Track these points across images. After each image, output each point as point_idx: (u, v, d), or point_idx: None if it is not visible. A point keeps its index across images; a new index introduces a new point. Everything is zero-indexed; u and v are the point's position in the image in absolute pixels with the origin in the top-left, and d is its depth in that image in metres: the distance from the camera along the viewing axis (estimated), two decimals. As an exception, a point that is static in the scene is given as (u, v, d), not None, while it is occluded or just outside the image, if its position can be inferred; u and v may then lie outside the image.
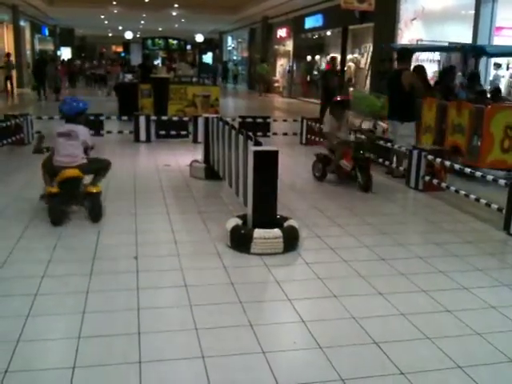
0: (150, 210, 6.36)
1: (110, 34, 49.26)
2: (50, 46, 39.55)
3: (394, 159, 8.76)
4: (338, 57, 21.99)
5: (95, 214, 5.80)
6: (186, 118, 11.94)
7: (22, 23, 28.69)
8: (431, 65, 14.77)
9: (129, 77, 20.07)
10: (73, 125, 5.98)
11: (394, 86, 8.39)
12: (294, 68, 27.74)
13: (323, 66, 24.90)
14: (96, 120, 11.34)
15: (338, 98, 8.12)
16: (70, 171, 5.65)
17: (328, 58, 24.06)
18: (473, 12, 13.14)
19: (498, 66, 14.17)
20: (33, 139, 10.80)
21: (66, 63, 32.97)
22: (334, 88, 14.03)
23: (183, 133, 11.66)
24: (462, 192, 6.81)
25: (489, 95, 9.97)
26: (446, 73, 10.88)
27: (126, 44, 37.58)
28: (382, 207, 6.85)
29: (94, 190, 5.87)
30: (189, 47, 39.59)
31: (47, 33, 38.57)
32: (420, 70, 10.03)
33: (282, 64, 30.30)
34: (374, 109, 11.33)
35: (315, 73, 25.81)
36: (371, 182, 7.43)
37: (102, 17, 33.64)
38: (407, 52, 8.62)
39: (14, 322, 3.57)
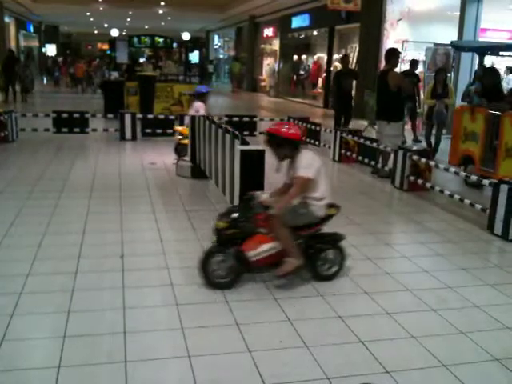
0: (136, 208, 6.33)
1: (96, 32, 48.94)
2: (34, 43, 39.18)
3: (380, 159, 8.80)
4: (325, 56, 22.08)
5: None
6: (172, 117, 11.90)
7: (6, 19, 28.38)
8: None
9: (115, 75, 19.97)
10: (197, 101, 8.89)
11: (380, 87, 8.44)
12: (281, 67, 27.74)
13: (309, 65, 24.97)
14: (81, 117, 11.28)
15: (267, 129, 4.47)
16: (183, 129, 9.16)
17: (314, 56, 24.15)
18: (458, 13, 13.26)
19: (510, 70, 14.32)
20: (17, 137, 10.70)
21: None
22: (349, 92, 12.35)
23: (169, 131, 11.61)
24: (447, 192, 6.87)
25: None
26: None
27: (112, 41, 37.28)
28: (368, 207, 6.88)
29: None
30: (175, 45, 39.36)
31: (32, 29, 38.20)
32: (490, 73, 8.84)
33: (268, 63, 30.29)
34: None
35: (301, 72, 25.84)
36: None
37: (88, 14, 33.39)
38: (394, 52, 8.65)
39: (-2, 321, 3.54)
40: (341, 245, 4.47)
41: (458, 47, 10.30)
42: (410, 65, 12.48)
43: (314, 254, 4.33)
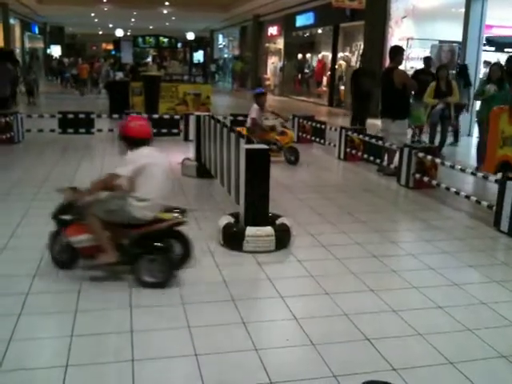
0: (142, 208, 6.33)
1: (101, 32, 49.05)
2: (40, 44, 39.34)
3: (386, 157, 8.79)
4: (329, 55, 22.05)
5: None
6: (177, 116, 11.92)
7: (11, 21, 28.51)
8: (419, 62, 14.84)
9: (120, 75, 20.01)
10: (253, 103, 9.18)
11: (385, 84, 8.42)
12: (285, 66, 27.73)
13: (314, 63, 24.95)
14: (86, 118, 11.31)
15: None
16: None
17: (318, 55, 24.10)
18: (463, 10, 13.21)
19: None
20: (23, 138, 10.75)
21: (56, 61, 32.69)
22: (368, 92, 11.49)
23: (174, 131, 11.64)
24: (453, 189, 6.85)
25: None
26: None
27: (117, 42, 37.37)
28: (374, 205, 6.87)
29: None
30: (180, 45, 39.43)
31: (37, 31, 38.34)
32: None
33: (273, 62, 30.29)
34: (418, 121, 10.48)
35: (306, 71, 25.82)
36: None
37: (93, 15, 33.48)
38: (398, 50, 8.63)
39: (6, 320, 3.55)
40: (171, 256, 4.22)
41: (495, 43, 9.75)
42: (424, 62, 11.75)
43: (134, 256, 4.13)
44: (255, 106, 8.98)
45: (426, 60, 11.80)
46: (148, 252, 4.13)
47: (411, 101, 10.38)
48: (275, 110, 10.13)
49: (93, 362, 3.12)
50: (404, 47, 10.85)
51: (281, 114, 9.92)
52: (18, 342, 3.30)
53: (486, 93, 8.72)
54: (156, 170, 4.21)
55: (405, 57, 11.64)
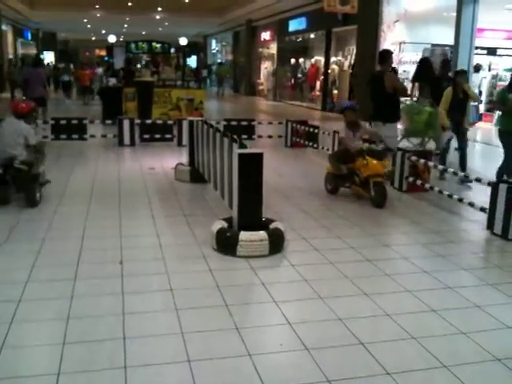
0: (135, 213, 6.32)
1: (93, 38, 49.03)
2: (32, 51, 39.21)
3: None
4: (322, 59, 22.11)
5: None
6: (170, 122, 11.91)
7: (3, 27, 28.43)
8: (413, 66, 14.90)
9: (113, 81, 19.95)
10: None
11: (376, 88, 8.43)
12: (278, 71, 27.78)
13: (307, 68, 24.99)
14: (79, 124, 11.28)
15: None
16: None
17: (311, 59, 24.17)
18: (454, 14, 13.29)
19: (477, 69, 14.09)
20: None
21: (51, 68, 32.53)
22: None
23: (168, 136, 11.62)
24: (446, 192, 6.86)
25: None
26: None
27: (110, 48, 37.27)
28: (367, 209, 6.87)
29: None
30: (173, 50, 39.34)
31: (30, 37, 38.26)
32: None
33: (266, 67, 30.35)
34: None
35: (299, 75, 25.87)
36: None
37: (85, 21, 33.45)
38: (388, 54, 8.65)
39: (-3, 328, 3.52)
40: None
41: None
42: (442, 67, 10.71)
43: None
44: (344, 125, 7.51)
45: (444, 63, 10.81)
46: None
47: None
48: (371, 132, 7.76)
49: (85, 369, 3.09)
50: (396, 51, 10.82)
51: (373, 137, 7.73)
52: (9, 350, 3.26)
53: (509, 101, 7.99)
54: (2, 130, 6.49)
55: (397, 60, 11.62)
